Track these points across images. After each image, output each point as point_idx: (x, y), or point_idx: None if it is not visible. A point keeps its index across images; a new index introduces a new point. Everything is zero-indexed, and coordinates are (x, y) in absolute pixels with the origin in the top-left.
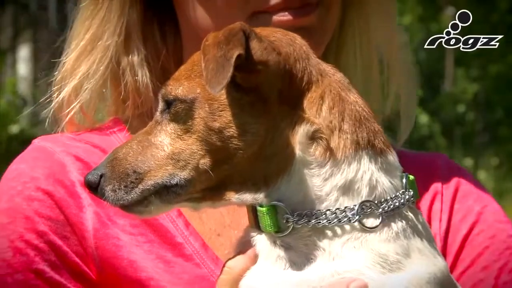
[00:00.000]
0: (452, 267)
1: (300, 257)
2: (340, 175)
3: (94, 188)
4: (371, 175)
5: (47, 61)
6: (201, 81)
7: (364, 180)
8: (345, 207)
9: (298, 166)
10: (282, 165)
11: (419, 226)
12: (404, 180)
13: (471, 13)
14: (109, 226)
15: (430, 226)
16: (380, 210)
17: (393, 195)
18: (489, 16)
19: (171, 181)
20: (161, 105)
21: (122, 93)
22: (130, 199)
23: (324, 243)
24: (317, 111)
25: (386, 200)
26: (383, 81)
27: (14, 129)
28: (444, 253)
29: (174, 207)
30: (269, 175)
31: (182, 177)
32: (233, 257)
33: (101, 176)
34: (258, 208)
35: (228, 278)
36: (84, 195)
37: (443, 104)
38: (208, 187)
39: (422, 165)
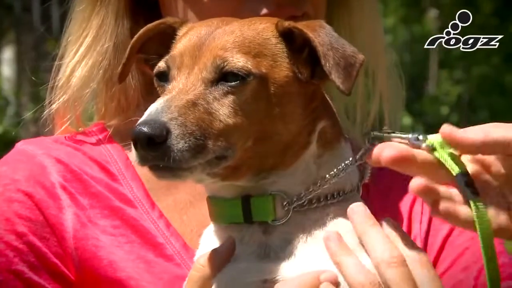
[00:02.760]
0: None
1: (278, 246)
2: (333, 161)
3: (155, 143)
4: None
5: (30, 62)
6: (264, 61)
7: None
8: (335, 193)
9: (307, 157)
10: (296, 155)
11: None
12: None
13: (455, 16)
14: (88, 227)
15: (411, 228)
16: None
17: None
18: (473, 18)
19: (225, 153)
20: (212, 73)
21: (116, 97)
22: (191, 163)
23: (303, 228)
24: (324, 107)
25: (356, 188)
26: (368, 84)
27: None
28: None
29: (196, 177)
30: (280, 162)
31: (232, 152)
32: (205, 254)
33: (167, 132)
34: (257, 197)
35: (199, 275)
36: (64, 196)
37: (426, 106)
38: (232, 165)
39: None
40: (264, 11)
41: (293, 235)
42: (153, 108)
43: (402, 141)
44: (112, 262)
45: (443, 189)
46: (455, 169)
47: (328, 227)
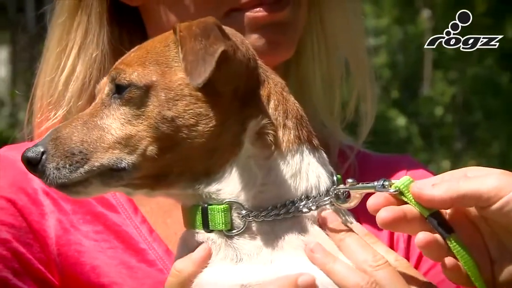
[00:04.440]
0: (416, 267)
1: (250, 252)
2: (285, 166)
3: (33, 165)
4: (312, 167)
5: (25, 63)
6: (157, 69)
7: (308, 172)
8: (296, 199)
9: (243, 158)
10: (226, 158)
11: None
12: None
13: (448, 16)
14: (71, 233)
15: None
16: (320, 202)
17: (328, 189)
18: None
19: (119, 165)
20: (109, 88)
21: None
22: (73, 178)
23: (275, 235)
24: (265, 109)
25: (325, 193)
26: (344, 82)
27: None
28: (407, 254)
29: (111, 190)
30: (210, 166)
31: (129, 161)
32: (181, 259)
33: (42, 153)
34: (213, 206)
35: (176, 281)
36: (47, 202)
37: (421, 107)
38: (149, 174)
39: (386, 167)
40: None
41: (265, 241)
42: (48, 132)
43: (368, 190)
44: (95, 268)
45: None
46: (424, 211)
47: (304, 236)
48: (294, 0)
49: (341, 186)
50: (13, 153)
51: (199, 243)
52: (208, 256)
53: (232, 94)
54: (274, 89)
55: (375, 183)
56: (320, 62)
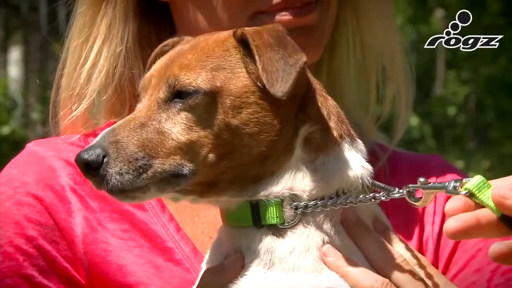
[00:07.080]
0: (445, 270)
1: (284, 253)
2: (330, 165)
3: (92, 168)
4: (355, 160)
5: (38, 63)
6: (220, 74)
7: (351, 166)
8: (340, 192)
9: (293, 162)
10: (278, 164)
11: None
12: None
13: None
14: (98, 231)
15: (423, 229)
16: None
17: (368, 185)
18: (480, 18)
19: (180, 172)
20: (166, 92)
21: (126, 99)
22: (135, 184)
23: (306, 234)
24: (311, 112)
25: (367, 186)
26: (379, 83)
27: (5, 130)
28: (436, 256)
29: (164, 196)
30: (262, 173)
31: (190, 168)
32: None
33: (103, 156)
34: (266, 200)
35: None
36: (74, 199)
37: (434, 107)
38: (203, 181)
39: (416, 166)
40: (276, 0)
41: (298, 244)
42: (102, 133)
43: (439, 190)
44: (121, 267)
45: None
46: (497, 212)
47: (328, 237)
48: (322, 2)
49: (412, 184)
50: (41, 148)
51: (234, 248)
52: (239, 268)
53: (291, 101)
54: (317, 93)
55: (446, 183)
56: (355, 60)
